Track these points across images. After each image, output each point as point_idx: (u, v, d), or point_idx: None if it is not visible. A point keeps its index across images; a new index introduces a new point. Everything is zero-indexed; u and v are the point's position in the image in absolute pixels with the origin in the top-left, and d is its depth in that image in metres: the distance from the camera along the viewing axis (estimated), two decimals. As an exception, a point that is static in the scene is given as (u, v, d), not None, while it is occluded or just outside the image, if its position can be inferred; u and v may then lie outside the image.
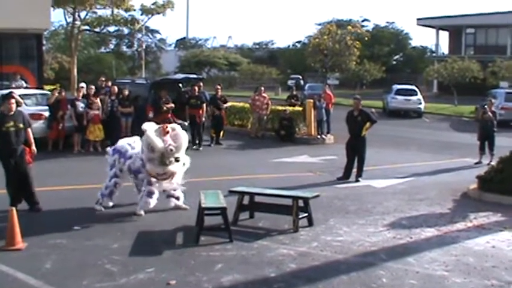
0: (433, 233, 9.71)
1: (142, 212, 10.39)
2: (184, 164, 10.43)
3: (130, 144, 10.91)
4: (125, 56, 68.70)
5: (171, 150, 9.96)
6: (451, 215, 11.10)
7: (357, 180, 14.35)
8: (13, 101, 10.52)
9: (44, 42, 34.46)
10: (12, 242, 8.30)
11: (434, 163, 18.16)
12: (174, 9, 39.81)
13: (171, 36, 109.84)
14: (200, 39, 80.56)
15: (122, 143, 11.08)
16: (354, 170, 14.58)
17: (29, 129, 10.64)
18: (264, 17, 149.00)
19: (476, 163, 17.69)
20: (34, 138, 10.78)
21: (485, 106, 18.80)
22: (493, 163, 14.75)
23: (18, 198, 10.40)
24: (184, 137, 10.31)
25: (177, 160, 10.13)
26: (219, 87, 22.14)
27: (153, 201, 10.46)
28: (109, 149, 11.14)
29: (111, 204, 10.85)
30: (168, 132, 10.08)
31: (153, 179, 10.33)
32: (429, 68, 48.09)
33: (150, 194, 10.40)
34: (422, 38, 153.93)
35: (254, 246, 8.67)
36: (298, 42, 73.58)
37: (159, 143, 9.91)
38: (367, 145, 14.71)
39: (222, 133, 21.17)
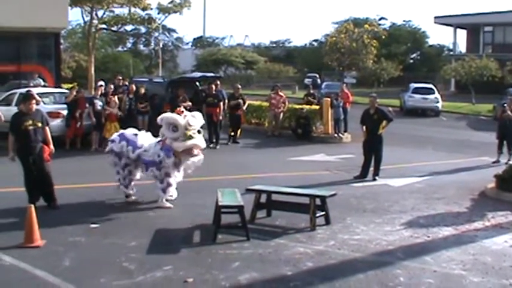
0: (450, 232, 9.66)
1: (167, 204, 10.77)
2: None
3: (137, 135, 11.19)
4: (142, 55, 69.10)
5: (192, 122, 10.51)
6: (468, 214, 11.04)
7: (374, 179, 14.32)
8: (34, 101, 10.67)
9: (62, 41, 34.72)
10: (31, 239, 8.35)
11: (452, 162, 18.05)
12: (191, 7, 39.94)
13: (188, 35, 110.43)
14: (217, 38, 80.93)
15: (130, 131, 11.46)
16: (371, 169, 14.55)
17: (47, 128, 10.72)
18: (281, 15, 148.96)
19: (494, 162, 17.55)
20: (52, 137, 10.86)
21: (505, 105, 18.66)
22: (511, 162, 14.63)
23: (36, 196, 10.48)
24: (199, 115, 10.92)
25: (198, 132, 10.66)
26: (239, 86, 22.15)
27: (172, 192, 10.92)
28: (115, 136, 11.40)
29: (131, 192, 11.19)
30: (182, 112, 10.89)
31: (171, 170, 10.70)
32: (446, 66, 47.75)
33: (169, 185, 10.80)
34: (439, 36, 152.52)
35: (271, 245, 8.67)
36: (315, 40, 73.49)
37: (179, 118, 10.52)
38: (384, 144, 14.68)
39: (239, 131, 21.19)
